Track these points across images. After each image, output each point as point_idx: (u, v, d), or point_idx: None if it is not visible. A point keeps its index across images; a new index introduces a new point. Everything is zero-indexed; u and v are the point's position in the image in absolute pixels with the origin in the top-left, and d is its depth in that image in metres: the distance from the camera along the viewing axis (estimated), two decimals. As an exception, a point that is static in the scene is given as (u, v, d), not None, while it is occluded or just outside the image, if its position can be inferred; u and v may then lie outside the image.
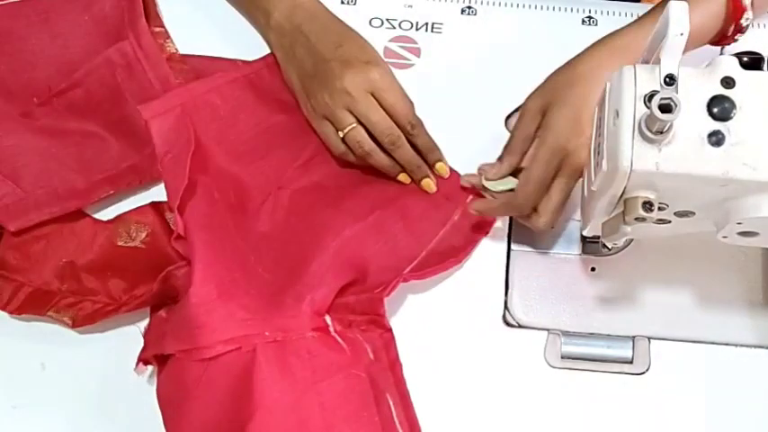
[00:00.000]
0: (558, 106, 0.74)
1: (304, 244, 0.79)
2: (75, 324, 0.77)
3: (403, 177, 0.81)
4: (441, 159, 0.81)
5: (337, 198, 0.82)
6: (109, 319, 0.77)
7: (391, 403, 0.74)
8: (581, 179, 0.73)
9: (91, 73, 0.86)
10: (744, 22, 0.75)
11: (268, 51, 0.88)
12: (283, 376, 0.72)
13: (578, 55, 0.76)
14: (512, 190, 0.76)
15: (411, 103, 0.81)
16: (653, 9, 0.77)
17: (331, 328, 0.75)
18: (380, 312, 0.76)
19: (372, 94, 0.79)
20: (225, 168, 0.83)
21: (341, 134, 0.79)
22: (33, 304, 0.78)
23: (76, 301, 0.79)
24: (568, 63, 0.76)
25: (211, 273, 0.75)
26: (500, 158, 0.77)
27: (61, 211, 0.80)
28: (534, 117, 0.75)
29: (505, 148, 0.77)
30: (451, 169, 0.82)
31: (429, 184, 0.81)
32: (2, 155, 0.82)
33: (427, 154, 0.81)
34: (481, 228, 0.81)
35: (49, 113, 0.85)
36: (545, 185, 0.74)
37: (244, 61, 0.88)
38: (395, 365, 0.76)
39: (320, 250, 0.78)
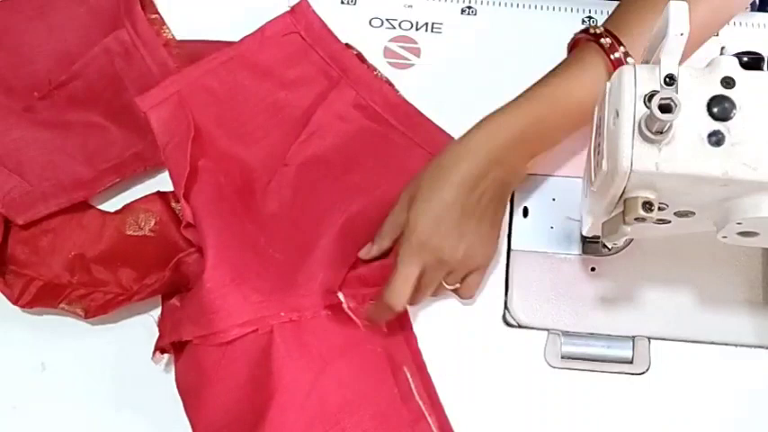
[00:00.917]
0: (420, 201, 0.73)
1: (312, 221, 0.79)
2: (88, 315, 0.78)
3: None
4: None
5: (343, 171, 0.82)
6: (120, 308, 0.77)
7: (409, 375, 0.75)
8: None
9: (89, 63, 0.86)
10: None
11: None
12: (301, 355, 0.73)
13: (446, 146, 0.75)
14: None
15: None
16: (519, 97, 0.76)
17: (345, 305, 0.75)
18: None
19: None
20: (228, 151, 0.83)
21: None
22: (45, 298, 0.79)
23: (88, 293, 0.79)
24: (434, 158, 0.75)
25: (223, 257, 0.75)
26: (372, 240, 0.77)
27: (68, 202, 0.80)
28: (404, 207, 0.75)
29: (377, 233, 0.77)
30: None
31: None
32: (6, 149, 0.82)
33: None
34: None
35: (50, 106, 0.85)
36: (410, 281, 0.73)
37: (229, 43, 0.87)
38: (410, 338, 0.76)
39: (329, 227, 0.78)
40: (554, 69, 0.76)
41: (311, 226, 0.79)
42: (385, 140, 0.84)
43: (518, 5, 0.90)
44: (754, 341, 0.77)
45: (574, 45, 0.78)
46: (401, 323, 0.77)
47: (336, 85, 0.85)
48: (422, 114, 0.84)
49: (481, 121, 0.75)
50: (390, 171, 0.82)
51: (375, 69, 0.87)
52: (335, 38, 0.87)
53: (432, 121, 0.84)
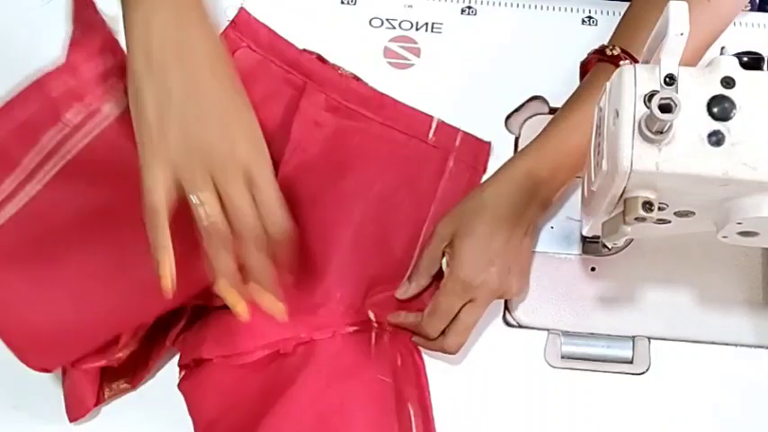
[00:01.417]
0: (465, 237, 0.73)
1: (317, 239, 0.78)
2: (133, 384, 0.76)
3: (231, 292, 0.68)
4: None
5: (335, 179, 0.81)
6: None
7: (412, 413, 0.74)
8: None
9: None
10: None
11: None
12: (308, 372, 0.73)
13: (486, 181, 0.76)
14: None
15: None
16: (550, 127, 0.76)
17: (374, 322, 0.77)
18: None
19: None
20: None
21: (195, 199, 0.64)
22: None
23: (109, 368, 0.75)
24: (477, 188, 0.76)
25: None
26: (409, 278, 0.77)
27: None
28: (443, 240, 0.75)
29: (413, 268, 0.77)
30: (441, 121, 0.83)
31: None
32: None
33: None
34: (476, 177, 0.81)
35: None
36: (451, 315, 0.74)
37: None
38: (420, 375, 0.76)
39: (337, 243, 0.78)
40: (574, 95, 0.76)
41: (317, 244, 0.78)
42: (367, 136, 0.83)
43: (518, 5, 0.90)
44: (754, 341, 0.77)
45: (587, 64, 0.78)
46: (414, 360, 0.76)
47: (303, 92, 0.84)
48: (397, 101, 0.84)
49: (518, 155, 0.76)
50: (381, 166, 0.82)
51: (338, 67, 0.86)
52: (288, 43, 0.86)
53: (406, 105, 0.84)
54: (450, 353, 0.75)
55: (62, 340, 0.72)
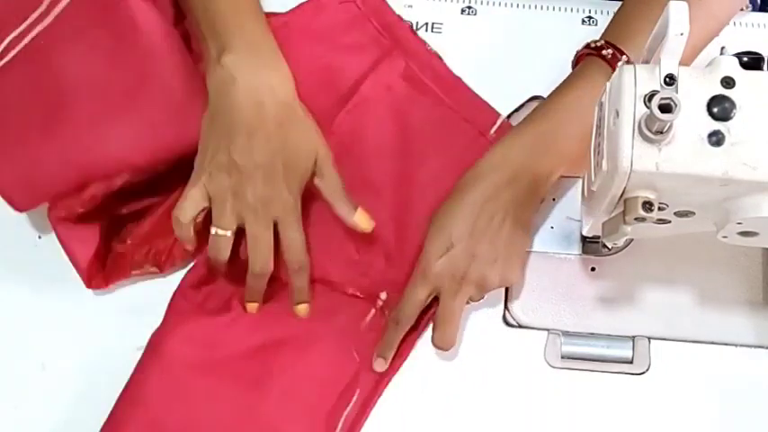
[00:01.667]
0: (432, 228, 0.74)
1: (358, 195, 0.79)
2: (162, 269, 0.79)
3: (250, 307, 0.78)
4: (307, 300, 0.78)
5: (391, 152, 0.82)
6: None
7: (354, 400, 0.75)
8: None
9: None
10: None
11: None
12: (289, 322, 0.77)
13: (465, 180, 0.75)
14: None
15: (306, 243, 0.76)
16: (531, 114, 0.76)
17: (380, 303, 0.78)
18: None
19: (275, 223, 0.74)
20: None
21: (213, 230, 0.74)
22: (112, 272, 0.79)
23: (148, 250, 0.80)
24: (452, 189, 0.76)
25: None
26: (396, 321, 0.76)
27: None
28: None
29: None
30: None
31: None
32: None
33: (298, 294, 0.77)
34: None
35: None
36: (417, 304, 0.74)
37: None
38: (385, 377, 0.76)
39: (376, 212, 0.78)
40: (559, 86, 0.77)
41: (361, 201, 0.79)
42: (431, 115, 0.84)
43: (518, 5, 0.90)
44: (754, 341, 0.77)
45: (577, 62, 0.78)
46: (396, 356, 0.76)
47: (388, 56, 0.86)
48: (469, 89, 0.85)
49: (493, 148, 0.75)
50: (434, 148, 0.82)
51: (425, 42, 0.87)
52: (390, 8, 0.88)
53: (479, 96, 0.84)
54: (440, 348, 0.75)
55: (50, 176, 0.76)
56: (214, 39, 0.75)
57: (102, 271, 0.79)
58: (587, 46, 0.77)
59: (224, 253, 0.74)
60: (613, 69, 0.72)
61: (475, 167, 0.75)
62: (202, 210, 0.74)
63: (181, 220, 0.73)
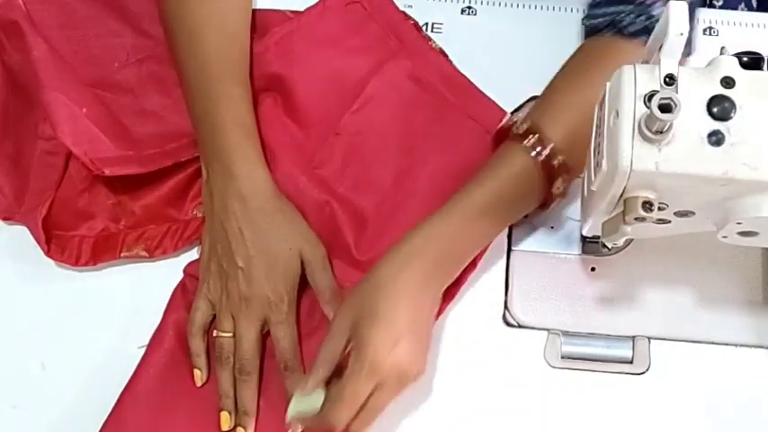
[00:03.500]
0: (369, 320, 0.69)
1: (360, 198, 0.81)
2: (152, 254, 0.80)
3: (224, 417, 0.75)
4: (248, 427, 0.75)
5: (396, 148, 0.83)
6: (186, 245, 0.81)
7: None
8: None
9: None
10: (555, 191, 0.74)
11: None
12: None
13: (377, 265, 0.73)
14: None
15: (298, 346, 0.77)
16: (447, 206, 0.74)
17: None
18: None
19: (264, 320, 0.76)
20: (280, 116, 0.84)
21: (215, 333, 0.76)
22: (102, 251, 0.80)
23: (140, 233, 0.81)
24: (369, 274, 0.73)
25: None
26: (309, 374, 0.72)
27: (154, 167, 0.81)
28: (344, 332, 0.71)
29: (314, 363, 0.72)
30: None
31: None
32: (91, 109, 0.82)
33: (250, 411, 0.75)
34: None
35: (130, 76, 0.87)
36: (358, 402, 0.68)
37: (294, 12, 0.87)
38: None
39: (375, 211, 0.80)
40: (479, 173, 0.75)
41: (361, 201, 0.80)
42: (437, 114, 0.84)
43: (518, 5, 0.90)
44: (754, 341, 0.77)
45: (497, 135, 0.78)
46: None
47: (394, 56, 0.86)
48: (475, 87, 0.84)
49: (412, 231, 0.73)
50: (440, 147, 0.82)
51: (431, 40, 0.87)
52: (396, 7, 0.88)
53: (485, 95, 0.84)
54: None
55: None
56: (203, 159, 0.80)
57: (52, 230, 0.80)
58: (510, 126, 0.76)
59: (228, 354, 0.75)
60: (535, 159, 0.72)
61: (397, 251, 0.72)
62: (212, 319, 0.77)
63: (192, 331, 0.77)
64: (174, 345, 0.77)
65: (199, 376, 0.76)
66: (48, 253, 0.79)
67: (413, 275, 0.71)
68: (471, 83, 0.85)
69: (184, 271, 0.80)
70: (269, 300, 0.75)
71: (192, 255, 0.81)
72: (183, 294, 0.79)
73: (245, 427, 0.74)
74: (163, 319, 0.78)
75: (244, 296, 0.75)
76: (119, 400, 0.74)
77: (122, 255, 0.80)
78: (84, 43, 0.87)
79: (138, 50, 0.87)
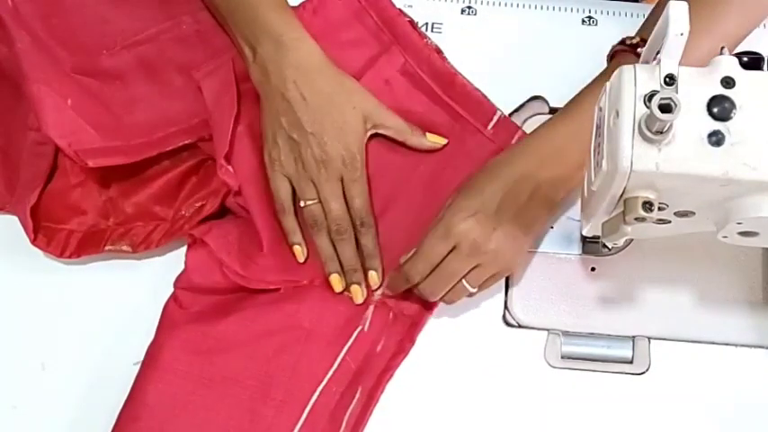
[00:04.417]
0: (463, 188, 0.75)
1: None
2: (135, 249, 0.81)
3: (334, 280, 0.78)
4: (376, 269, 0.79)
5: (387, 146, 0.83)
6: (170, 241, 0.81)
7: (356, 399, 0.75)
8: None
9: (164, 31, 0.87)
10: None
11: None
12: (296, 306, 0.78)
13: (501, 156, 0.76)
14: None
15: (370, 202, 0.80)
16: (557, 116, 0.77)
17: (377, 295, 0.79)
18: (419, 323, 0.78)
19: (341, 180, 0.78)
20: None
21: (302, 203, 0.79)
22: (88, 245, 0.81)
23: (127, 230, 0.81)
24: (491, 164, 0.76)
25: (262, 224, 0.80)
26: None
27: (139, 157, 0.81)
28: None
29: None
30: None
31: (357, 291, 0.78)
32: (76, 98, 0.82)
33: (367, 258, 0.79)
34: None
35: (119, 64, 0.86)
36: (432, 258, 0.73)
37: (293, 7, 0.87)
38: (387, 371, 0.76)
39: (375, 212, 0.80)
40: (593, 80, 0.76)
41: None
42: (429, 110, 0.84)
43: (518, 5, 0.90)
44: (754, 341, 0.77)
45: (612, 56, 0.78)
46: (394, 356, 0.77)
47: (387, 51, 0.86)
48: (468, 83, 0.85)
49: (533, 131, 0.76)
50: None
51: (425, 37, 0.87)
52: (391, 3, 0.88)
53: (478, 91, 0.84)
54: (423, 296, 0.75)
55: None
56: (245, 41, 0.80)
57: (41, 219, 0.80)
58: (622, 42, 0.77)
59: (320, 219, 0.78)
60: None
61: (508, 149, 0.76)
62: (294, 192, 0.79)
63: (282, 210, 0.79)
64: (172, 365, 0.76)
65: (299, 252, 0.79)
66: (33, 241, 0.79)
67: (519, 165, 0.74)
68: (465, 80, 0.85)
69: (175, 285, 0.79)
70: (343, 158, 0.78)
71: (180, 260, 0.80)
72: (178, 305, 0.78)
73: (359, 284, 0.78)
74: (156, 336, 0.77)
75: (320, 159, 0.77)
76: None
77: (106, 248, 0.80)
78: (71, 31, 0.86)
79: (127, 35, 0.86)
